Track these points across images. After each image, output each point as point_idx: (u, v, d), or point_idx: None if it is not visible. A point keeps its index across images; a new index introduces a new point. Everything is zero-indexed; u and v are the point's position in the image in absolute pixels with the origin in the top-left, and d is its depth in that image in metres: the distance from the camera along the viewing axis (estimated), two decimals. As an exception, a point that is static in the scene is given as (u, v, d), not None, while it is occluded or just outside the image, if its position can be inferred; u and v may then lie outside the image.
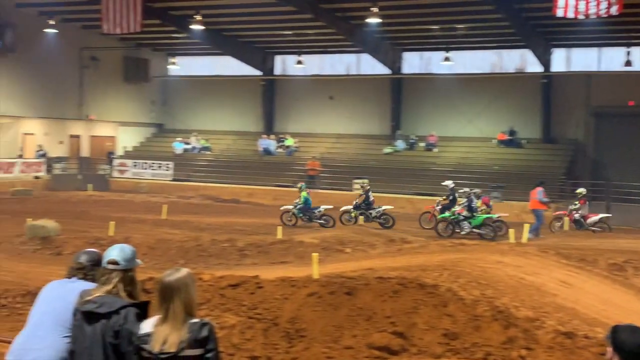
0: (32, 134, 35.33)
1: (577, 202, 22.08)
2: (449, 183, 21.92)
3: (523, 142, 33.43)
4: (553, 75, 33.64)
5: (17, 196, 28.56)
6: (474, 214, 20.36)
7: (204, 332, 3.79)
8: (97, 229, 19.10)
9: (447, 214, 20.73)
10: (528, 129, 33.65)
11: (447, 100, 35.12)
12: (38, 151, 34.60)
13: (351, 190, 29.41)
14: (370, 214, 22.24)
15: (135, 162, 36.29)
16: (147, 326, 3.85)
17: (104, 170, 36.61)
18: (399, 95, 36.65)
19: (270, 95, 39.39)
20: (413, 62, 37.05)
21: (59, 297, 4.23)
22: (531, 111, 33.98)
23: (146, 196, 30.82)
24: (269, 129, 38.75)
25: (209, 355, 3.79)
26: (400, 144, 34.99)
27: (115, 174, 36.03)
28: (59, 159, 35.70)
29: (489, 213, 20.93)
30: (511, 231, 18.51)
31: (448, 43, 34.12)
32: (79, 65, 36.44)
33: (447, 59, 34.82)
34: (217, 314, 8.49)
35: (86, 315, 4.00)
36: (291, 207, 22.33)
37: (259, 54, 38.66)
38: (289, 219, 22.34)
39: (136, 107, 40.54)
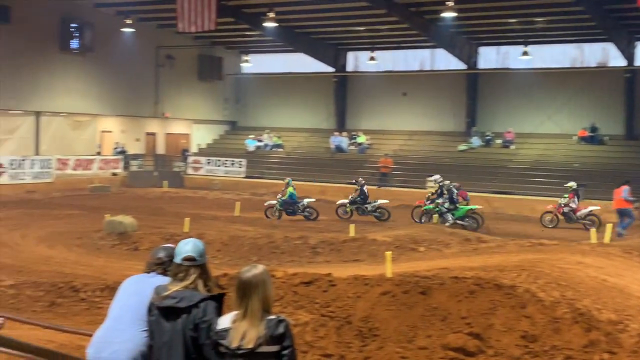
0: (109, 131, 36.17)
1: (566, 196, 22.31)
2: (436, 177, 22.39)
3: (605, 138, 32.18)
4: (637, 69, 32.24)
5: (95, 192, 29.33)
6: (456, 205, 21.18)
7: (281, 329, 3.83)
8: (172, 225, 19.37)
9: (430, 206, 21.69)
10: (610, 125, 32.37)
11: (525, 96, 34.20)
12: (116, 148, 35.43)
13: (424, 188, 28.90)
14: (366, 208, 22.94)
15: (208, 160, 36.70)
16: (225, 322, 3.90)
17: (179, 168, 37.18)
18: (474, 90, 35.88)
19: (343, 92, 39.20)
20: (489, 57, 36.22)
21: (138, 292, 4.29)
22: (614, 107, 32.71)
23: (219, 193, 31.15)
24: (341, 126, 38.58)
25: (285, 352, 3.81)
26: (475, 141, 34.23)
27: (190, 171, 36.54)
28: (135, 156, 36.45)
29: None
30: (592, 231, 17.79)
31: (526, 37, 33.14)
32: (155, 63, 37.08)
33: (525, 53, 33.89)
34: (290, 311, 8.48)
35: (165, 311, 4.06)
36: (274, 202, 22.89)
37: (331, 50, 38.52)
38: (273, 213, 22.80)
39: (210, 105, 41.05)
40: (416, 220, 22.24)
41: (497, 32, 34.02)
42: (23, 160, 29.93)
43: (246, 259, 15.17)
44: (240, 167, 35.56)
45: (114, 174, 33.57)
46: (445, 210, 21.27)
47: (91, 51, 32.99)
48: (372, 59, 37.46)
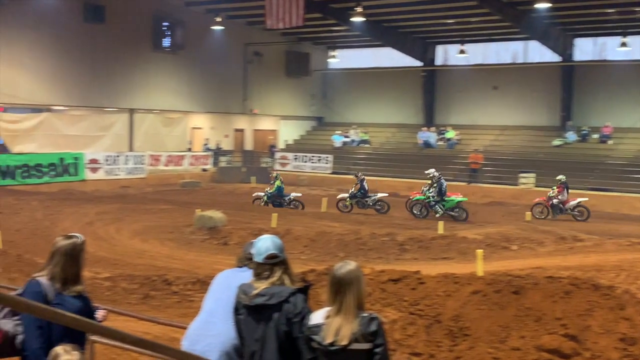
0: (199, 128, 36.89)
1: (554, 188, 22.85)
2: (432, 171, 23.00)
3: None
4: None
5: (186, 188, 29.94)
6: (444, 197, 21.97)
7: (373, 327, 3.82)
8: (260, 220, 19.47)
9: (421, 197, 22.47)
10: None
11: (624, 89, 32.75)
12: (205, 144, 36.12)
13: (517, 185, 28.08)
14: (366, 201, 23.63)
15: (295, 155, 36.88)
16: (317, 317, 3.90)
17: (266, 163, 37.52)
18: (570, 83, 34.61)
19: (431, 87, 38.62)
20: (586, 49, 34.86)
21: (231, 286, 4.30)
22: None
23: (306, 189, 31.18)
24: (429, 121, 38.01)
25: (377, 350, 3.80)
26: (571, 136, 32.99)
27: (277, 166, 36.79)
28: (224, 152, 37.05)
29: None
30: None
31: (625, 27, 31.72)
32: (243, 60, 37.55)
33: (623, 44, 32.46)
34: (377, 309, 8.34)
35: (256, 309, 4.08)
36: (262, 194, 24.15)
37: (419, 44, 37.98)
38: (260, 204, 23.95)
39: (297, 101, 41.27)
40: (410, 211, 22.93)
41: (594, 22, 32.65)
42: (118, 156, 30.90)
43: (333, 255, 15.12)
44: (326, 163, 35.56)
45: (204, 170, 34.20)
46: (434, 202, 22.09)
47: (182, 49, 33.73)
48: (461, 52, 36.72)
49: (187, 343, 4.38)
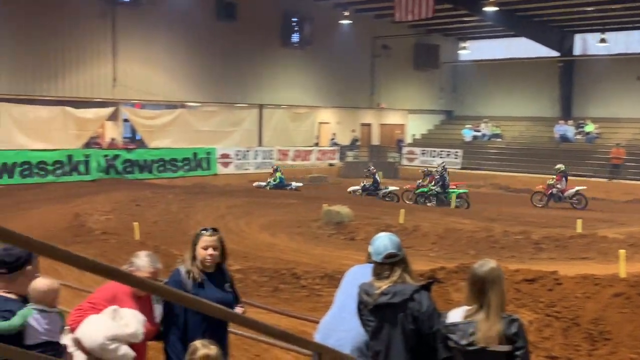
0: (326, 122, 37.03)
1: (554, 177, 23.32)
2: (439, 162, 24.60)
3: None
4: None
5: (313, 182, 30.06)
6: (447, 189, 22.90)
7: (513, 329, 3.70)
8: (387, 215, 19.18)
9: (425, 188, 23.40)
10: None
11: None
12: (332, 139, 36.21)
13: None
14: (377, 194, 24.54)
15: (423, 150, 36.26)
16: (455, 316, 3.83)
17: (393, 158, 37.13)
18: None
19: (568, 78, 36.73)
20: None
21: (361, 281, 4.25)
22: None
23: (434, 184, 30.54)
24: (566, 114, 36.18)
25: (518, 352, 3.68)
26: None
27: (404, 161, 36.35)
28: (350, 147, 37.00)
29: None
30: None
31: None
32: (371, 54, 37.29)
33: None
34: (512, 309, 7.92)
35: (380, 308, 4.01)
36: (264, 184, 25.87)
37: (556, 33, 36.16)
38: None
39: (425, 95, 40.52)
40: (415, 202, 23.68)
41: None
42: (247, 151, 31.54)
43: (463, 253, 14.73)
44: (456, 158, 34.72)
45: (331, 165, 34.26)
46: (436, 193, 23.04)
47: (310, 44, 33.89)
48: (602, 41, 34.67)
49: (319, 337, 4.36)
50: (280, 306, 9.16)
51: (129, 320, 4.12)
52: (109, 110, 27.92)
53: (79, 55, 27.05)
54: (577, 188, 23.42)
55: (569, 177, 23.82)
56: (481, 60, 40.45)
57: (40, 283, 3.84)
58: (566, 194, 23.23)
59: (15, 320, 3.66)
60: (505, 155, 34.20)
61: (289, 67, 33.96)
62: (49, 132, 25.93)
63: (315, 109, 35.73)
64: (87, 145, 27.39)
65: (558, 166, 24.12)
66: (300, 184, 26.56)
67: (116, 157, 27.12)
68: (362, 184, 25.15)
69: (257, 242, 16.09)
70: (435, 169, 23.80)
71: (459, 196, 23.00)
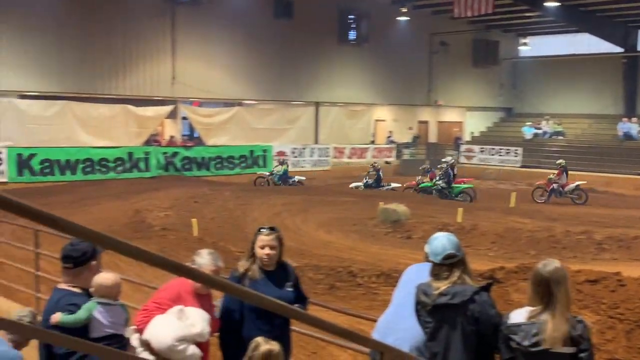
0: (383, 120, 36.83)
1: (555, 172, 23.86)
2: (448, 159, 24.89)
3: None
4: None
5: (369, 180, 29.93)
6: (451, 185, 23.49)
7: (579, 330, 3.64)
8: (444, 214, 18.96)
9: (428, 183, 24.11)
10: None
11: None
12: (389, 137, 36.02)
13: None
14: (379, 189, 24.94)
15: (482, 148, 35.70)
16: (518, 317, 3.77)
17: (451, 156, 36.64)
18: None
19: (633, 74, 35.68)
20: None
21: (420, 280, 4.23)
22: None
23: (493, 183, 30.12)
24: (630, 111, 35.14)
25: (582, 355, 3.61)
26: None
27: (462, 160, 35.85)
28: (407, 145, 36.73)
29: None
30: None
31: None
32: (428, 51, 36.93)
33: None
34: (574, 310, 7.64)
35: (439, 309, 3.96)
36: (267, 174, 26.33)
37: (620, 28, 35.12)
38: (261, 184, 25.82)
39: (484, 91, 39.93)
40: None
41: None
42: (303, 148, 31.61)
43: (523, 253, 14.47)
44: (515, 156, 34.09)
45: (387, 163, 34.06)
46: (440, 188, 23.64)
47: (366, 41, 33.75)
48: (668, 36, 33.55)
49: (377, 336, 4.32)
50: (336, 304, 9.07)
51: (195, 320, 4.13)
52: (168, 108, 28.36)
53: (139, 54, 27.56)
54: (577, 183, 23.74)
55: (569, 172, 24.29)
56: (542, 57, 39.61)
57: (105, 278, 3.89)
58: (567, 188, 23.53)
59: (81, 314, 3.71)
60: (566, 154, 33.26)
61: (345, 65, 33.89)
62: (111, 130, 26.51)
63: (372, 106, 35.58)
64: (147, 142, 27.89)
65: (559, 161, 24.61)
66: (303, 178, 26.87)
67: (175, 154, 27.54)
68: (364, 180, 25.64)
69: (313, 239, 16.09)
70: (441, 165, 24.57)
71: (462, 191, 23.62)
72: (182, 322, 4.13)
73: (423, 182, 24.47)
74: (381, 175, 25.70)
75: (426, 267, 4.27)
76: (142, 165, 26.53)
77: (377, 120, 36.48)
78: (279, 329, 4.48)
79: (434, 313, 3.98)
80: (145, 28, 27.49)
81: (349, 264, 12.90)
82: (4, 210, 1.60)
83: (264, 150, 29.97)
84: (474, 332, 3.92)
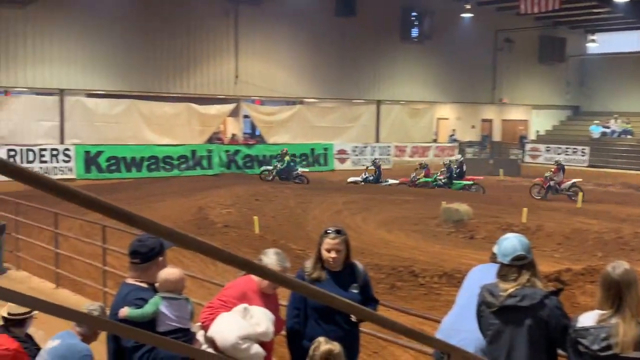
0: (445, 118, 36.43)
1: (551, 170, 24.32)
2: (458, 157, 26.48)
3: None
4: None
5: (431, 179, 29.63)
6: (453, 180, 24.64)
7: None
8: (508, 214, 18.64)
9: (429, 178, 25.07)
10: None
11: None
12: (452, 135, 35.61)
13: None
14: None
15: (547, 147, 34.95)
16: (587, 320, 3.69)
17: (515, 155, 36.04)
18: None
19: None
20: None
21: (484, 281, 4.17)
22: None
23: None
24: (703, 110, 33.85)
25: None
26: None
27: (527, 159, 35.20)
28: (470, 143, 36.24)
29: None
30: None
31: None
32: (493, 48, 36.32)
33: None
34: None
35: (505, 311, 3.88)
36: (271, 167, 26.20)
37: (694, 24, 33.88)
38: (268, 178, 25.58)
39: (550, 89, 39.04)
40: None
41: None
42: (364, 147, 31.53)
43: (590, 255, 14.17)
44: (582, 156, 33.29)
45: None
46: (442, 183, 24.68)
47: (429, 39, 33.41)
48: None
49: (441, 337, 4.21)
50: (397, 304, 9.01)
51: (260, 319, 4.13)
52: (230, 107, 28.68)
53: (203, 54, 27.95)
54: (573, 180, 24.23)
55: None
56: (611, 54, 38.47)
57: (170, 273, 3.94)
58: (563, 186, 24.02)
59: (148, 308, 3.76)
60: (636, 153, 32.40)
61: (407, 62, 33.64)
62: (174, 128, 26.97)
63: (434, 104, 35.22)
64: (210, 140, 28.26)
65: (556, 160, 25.74)
66: (306, 169, 26.89)
67: (237, 152, 27.86)
68: (363, 175, 26.00)
69: (374, 238, 16.02)
70: (444, 162, 25.94)
71: (463, 188, 24.59)
72: (247, 321, 4.13)
73: (419, 178, 25.27)
74: (381, 171, 26.10)
75: (492, 268, 4.21)
76: (204, 162, 26.93)
77: (439, 119, 36.10)
78: (342, 330, 4.47)
79: (499, 314, 3.90)
80: (208, 28, 27.86)
81: (410, 263, 12.85)
82: (87, 207, 1.62)
83: (325, 149, 30.01)
84: (540, 335, 3.84)
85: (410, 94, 34.08)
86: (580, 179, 24.89)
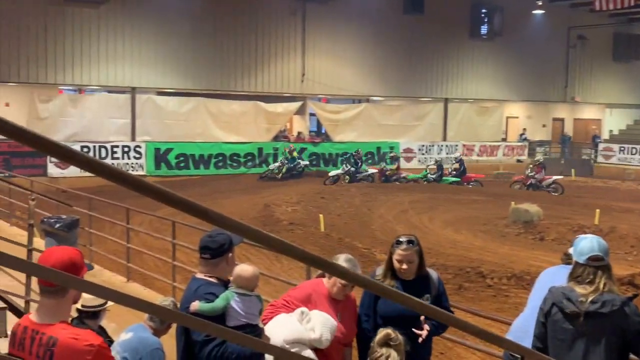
0: (515, 117, 35.75)
1: (532, 167, 25.52)
2: (457, 155, 27.05)
3: None
4: None
5: (499, 179, 29.10)
6: (442, 177, 25.49)
7: None
8: (579, 216, 18.23)
9: (418, 175, 26.11)
10: None
11: None
12: (522, 134, 34.92)
13: None
14: (357, 177, 25.05)
15: (622, 147, 33.89)
16: None
17: (588, 155, 35.07)
18: None
19: None
20: None
21: (556, 283, 4.04)
22: None
23: (633, 184, 28.47)
24: None
25: None
26: None
27: (600, 159, 34.20)
28: (540, 143, 35.46)
29: None
30: None
31: None
32: (566, 45, 35.40)
33: None
34: None
35: (585, 315, 3.73)
36: (278, 164, 26.11)
37: None
38: (272, 177, 25.38)
39: (625, 88, 37.78)
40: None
41: None
42: (431, 145, 31.21)
43: None
44: (659, 156, 32.13)
45: (519, 161, 33.04)
46: (432, 179, 25.42)
47: (499, 36, 32.79)
48: None
49: (511, 338, 4.14)
50: (465, 305, 8.92)
51: (315, 325, 4.06)
52: (297, 105, 28.83)
53: (270, 52, 28.19)
54: (554, 177, 25.40)
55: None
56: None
57: (245, 269, 3.96)
58: (544, 183, 25.12)
59: (219, 303, 3.79)
60: None
61: (476, 60, 33.13)
62: (241, 126, 27.28)
63: (503, 102, 34.58)
64: (276, 138, 28.47)
65: (537, 158, 27.30)
66: (307, 162, 26.99)
67: (302, 150, 27.97)
68: (344, 167, 25.44)
69: (440, 238, 15.87)
70: (437, 160, 26.94)
71: (452, 184, 25.20)
72: (302, 325, 4.08)
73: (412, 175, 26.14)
74: (361, 162, 25.80)
75: (564, 270, 4.10)
76: (271, 160, 27.14)
77: (508, 117, 35.45)
78: (412, 340, 4.35)
79: (576, 320, 3.75)
80: (276, 26, 28.08)
81: (478, 264, 12.71)
82: (166, 203, 1.64)
83: (391, 147, 29.84)
84: (617, 342, 3.73)
85: (479, 91, 33.55)
86: (561, 177, 26.14)
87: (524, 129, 35.19)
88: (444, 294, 4.63)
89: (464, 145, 31.95)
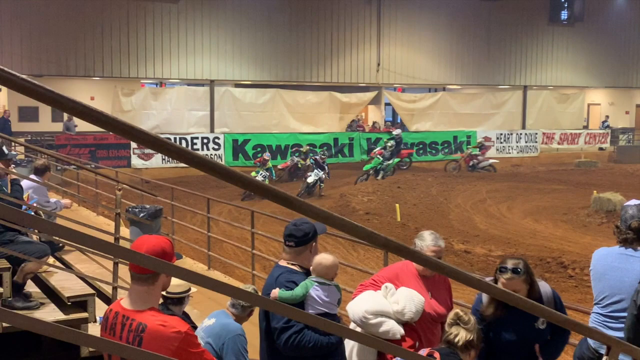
0: (597, 104, 34.63)
1: (478, 149, 25.79)
2: (397, 132, 25.49)
3: None
4: None
5: (581, 167, 28.29)
6: (392, 158, 23.42)
7: None
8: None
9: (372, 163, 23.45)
10: None
11: None
12: (604, 122, 33.83)
13: None
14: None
15: None
16: None
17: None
18: None
19: None
20: None
21: (617, 267, 4.11)
22: None
23: None
24: None
25: None
26: None
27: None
28: (624, 130, 34.24)
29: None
30: None
31: None
32: (650, 30, 34.05)
33: None
34: None
35: None
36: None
37: None
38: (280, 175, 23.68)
39: None
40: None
41: None
42: (510, 134, 30.59)
43: None
44: None
45: (601, 149, 32.02)
46: (385, 164, 23.00)
47: (580, 21, 31.83)
48: None
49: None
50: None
51: (400, 298, 4.08)
52: (371, 95, 28.76)
53: (346, 42, 28.22)
54: (491, 161, 25.88)
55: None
56: None
57: (325, 258, 4.01)
58: (482, 164, 25.43)
59: (298, 291, 3.86)
60: None
61: (556, 46, 32.24)
62: (316, 116, 27.44)
63: (585, 89, 33.53)
64: (351, 128, 28.50)
65: (480, 140, 27.38)
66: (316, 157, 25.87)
67: (378, 140, 27.90)
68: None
69: (520, 228, 15.60)
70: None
71: (397, 164, 24.10)
72: (386, 299, 4.11)
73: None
74: (320, 160, 22.15)
75: (620, 253, 4.15)
76: (346, 150, 27.20)
77: (590, 104, 34.37)
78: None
79: None
80: (352, 16, 28.07)
81: (559, 254, 12.47)
82: (249, 190, 1.70)
83: (468, 136, 29.42)
84: None
85: (559, 78, 32.66)
86: (497, 160, 26.52)
87: (607, 116, 34.06)
88: (562, 310, 4.05)
89: (544, 134, 31.18)
